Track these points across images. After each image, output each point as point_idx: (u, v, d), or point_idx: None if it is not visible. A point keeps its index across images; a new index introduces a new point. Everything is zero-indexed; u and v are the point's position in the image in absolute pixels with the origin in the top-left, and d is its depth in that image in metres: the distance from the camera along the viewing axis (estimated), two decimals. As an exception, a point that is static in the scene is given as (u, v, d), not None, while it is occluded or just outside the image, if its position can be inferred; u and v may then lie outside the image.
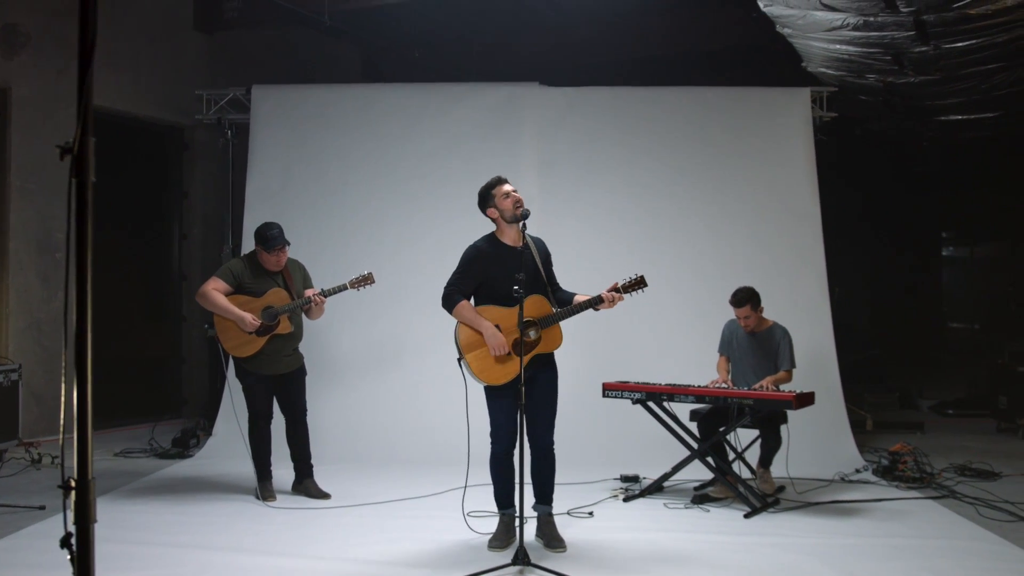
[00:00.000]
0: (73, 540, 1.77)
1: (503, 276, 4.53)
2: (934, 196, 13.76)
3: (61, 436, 2.01)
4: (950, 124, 9.43)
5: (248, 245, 7.73)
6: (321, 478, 5.95)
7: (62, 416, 1.83)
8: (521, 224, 4.54)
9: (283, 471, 6.01)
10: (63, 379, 1.77)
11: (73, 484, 1.76)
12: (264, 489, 5.76)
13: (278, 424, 5.94)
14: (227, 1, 9.27)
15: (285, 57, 10.19)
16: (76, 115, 1.73)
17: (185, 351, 9.47)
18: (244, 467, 6.26)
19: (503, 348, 4.52)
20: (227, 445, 7.16)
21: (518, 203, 4.61)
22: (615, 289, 4.62)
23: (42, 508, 5.35)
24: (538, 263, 4.69)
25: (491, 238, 4.72)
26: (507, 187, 4.66)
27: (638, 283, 4.67)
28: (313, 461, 5.97)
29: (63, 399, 1.79)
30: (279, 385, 5.86)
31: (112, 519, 5.18)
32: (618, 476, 6.30)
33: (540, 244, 4.83)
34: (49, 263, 7.98)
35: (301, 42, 10.40)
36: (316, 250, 7.24)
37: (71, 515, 1.78)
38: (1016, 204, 12.86)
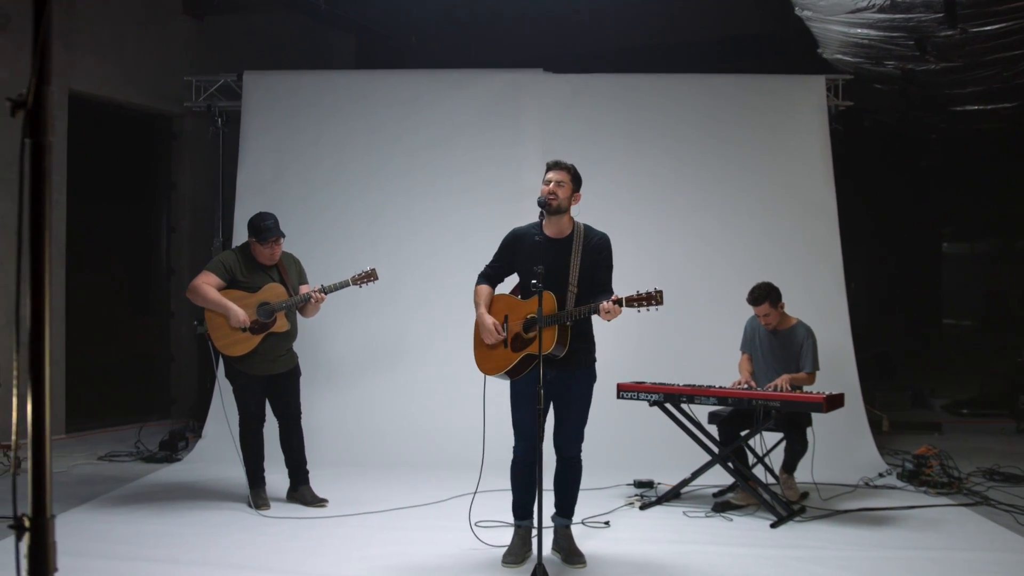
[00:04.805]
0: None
1: (526, 266, 4.25)
2: (936, 191, 13.47)
3: (13, 461, 1.66)
4: (965, 115, 9.14)
5: (240, 237, 7.36)
6: (317, 484, 5.60)
7: (14, 436, 1.47)
8: (565, 215, 4.30)
9: (275, 476, 5.65)
10: (15, 388, 1.42)
11: (27, 523, 1.39)
12: (257, 497, 5.41)
13: (270, 428, 5.59)
14: (217, -16, 8.89)
15: (277, 43, 9.81)
16: (32, 59, 1.37)
17: (174, 349, 9.09)
18: (235, 472, 5.90)
19: (490, 336, 4.33)
20: (217, 448, 6.79)
21: (549, 194, 4.27)
22: (617, 301, 4.08)
23: None
24: (573, 260, 4.27)
25: (537, 224, 4.34)
26: (549, 174, 4.34)
27: (647, 299, 4.08)
28: (308, 466, 5.63)
29: (15, 412, 1.43)
30: (272, 386, 5.50)
31: (94, 530, 4.83)
32: (631, 481, 6.00)
33: (595, 241, 4.34)
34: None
35: (293, 28, 10.02)
36: (309, 244, 6.85)
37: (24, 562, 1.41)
38: (1020, 201, 12.58)
